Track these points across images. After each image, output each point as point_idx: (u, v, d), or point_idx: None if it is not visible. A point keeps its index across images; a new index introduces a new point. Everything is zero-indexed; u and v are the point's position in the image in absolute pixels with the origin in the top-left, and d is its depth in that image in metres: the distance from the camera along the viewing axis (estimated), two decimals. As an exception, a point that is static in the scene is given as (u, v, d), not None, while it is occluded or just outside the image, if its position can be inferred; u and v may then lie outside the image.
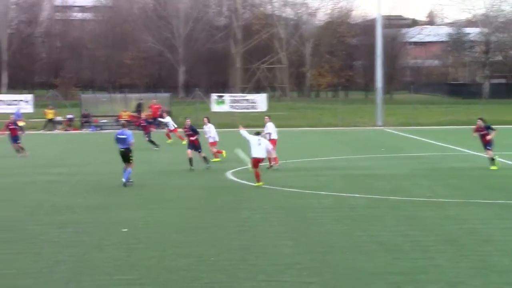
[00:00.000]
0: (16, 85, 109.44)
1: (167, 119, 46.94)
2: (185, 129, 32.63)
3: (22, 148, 38.91)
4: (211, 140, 34.62)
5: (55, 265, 14.67)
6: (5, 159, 37.03)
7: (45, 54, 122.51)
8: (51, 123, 64.76)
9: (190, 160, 31.05)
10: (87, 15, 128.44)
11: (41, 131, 61.24)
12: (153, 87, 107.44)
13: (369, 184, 26.79)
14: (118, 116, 61.84)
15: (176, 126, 46.08)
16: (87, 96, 76.03)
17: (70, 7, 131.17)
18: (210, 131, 34.67)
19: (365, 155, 38.23)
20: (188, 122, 33.01)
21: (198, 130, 32.69)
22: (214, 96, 79.13)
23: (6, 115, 71.31)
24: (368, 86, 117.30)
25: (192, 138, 31.69)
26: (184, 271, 14.25)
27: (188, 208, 21.77)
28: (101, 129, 61.69)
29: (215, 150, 34.72)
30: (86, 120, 65.34)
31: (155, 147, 41.52)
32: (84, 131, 62.59)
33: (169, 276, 13.92)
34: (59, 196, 24.23)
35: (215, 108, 76.09)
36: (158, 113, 57.26)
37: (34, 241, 16.93)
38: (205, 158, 31.78)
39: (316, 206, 21.80)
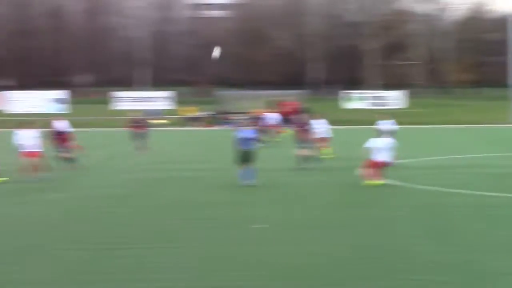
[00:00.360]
0: (157, 83, 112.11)
1: (270, 116, 47.31)
2: (299, 125, 32.09)
3: (145, 146, 39.62)
4: (319, 136, 34.50)
5: (191, 261, 14.93)
6: (144, 155, 37.96)
7: (183, 52, 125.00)
8: (188, 120, 66.13)
9: (303, 158, 30.69)
10: (224, 13, 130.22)
11: (178, 128, 62.56)
12: (287, 84, 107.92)
13: (508, 183, 26.14)
14: (252, 113, 62.50)
15: (278, 123, 46.53)
16: (223, 93, 77.15)
17: (207, 5, 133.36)
18: (319, 127, 34.54)
19: (504, 153, 37.30)
20: (302, 118, 32.70)
21: (310, 127, 32.32)
22: (346, 93, 78.87)
23: (149, 111, 73.64)
24: (506, 82, 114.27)
25: (303, 136, 30.97)
26: (315, 268, 14.21)
27: (319, 205, 21.70)
28: (237, 126, 62.38)
29: (322, 145, 34.62)
30: (222, 117, 66.30)
31: (264, 144, 41.49)
32: (220, 127, 63.48)
33: (298, 273, 13.89)
34: (195, 192, 24.59)
35: (348, 105, 75.84)
36: (292, 110, 57.56)
37: (172, 237, 17.28)
38: (310, 158, 31.13)
39: (451, 205, 21.36)
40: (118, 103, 78.28)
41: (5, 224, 19.12)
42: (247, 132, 26.02)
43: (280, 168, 31.24)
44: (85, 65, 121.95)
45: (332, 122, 36.23)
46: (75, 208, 21.51)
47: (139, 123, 41.08)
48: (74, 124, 72.65)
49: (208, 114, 67.35)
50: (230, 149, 33.10)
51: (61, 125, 33.51)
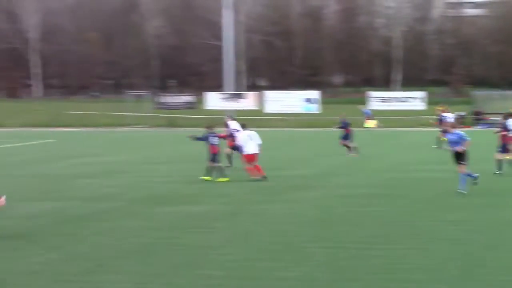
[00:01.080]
0: (408, 82, 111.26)
1: (447, 115, 45.53)
2: (501, 128, 30.61)
3: (350, 147, 39.06)
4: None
5: (445, 262, 14.64)
6: (390, 156, 37.73)
7: (437, 51, 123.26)
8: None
9: (503, 162, 29.21)
10: (480, 11, 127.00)
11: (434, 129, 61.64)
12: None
13: None
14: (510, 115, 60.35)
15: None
16: (479, 93, 75.18)
17: (462, 4, 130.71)
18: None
19: None
20: (501, 119, 31.19)
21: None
22: None
23: (400, 112, 73.38)
24: None
25: (506, 138, 29.57)
26: None
27: None
28: (493, 127, 60.62)
29: None
30: (477, 118, 64.67)
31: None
32: (475, 128, 62.01)
33: None
34: (443, 194, 24.05)
35: None
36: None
37: (425, 237, 17.02)
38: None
39: None
40: (372, 103, 78.07)
41: (260, 221, 19.63)
42: (454, 133, 24.72)
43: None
44: (338, 65, 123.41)
45: None
46: (329, 207, 21.75)
47: (344, 123, 40.32)
48: (323, 124, 73.46)
49: (459, 115, 65.81)
50: (482, 150, 32.25)
51: (233, 125, 32.94)
